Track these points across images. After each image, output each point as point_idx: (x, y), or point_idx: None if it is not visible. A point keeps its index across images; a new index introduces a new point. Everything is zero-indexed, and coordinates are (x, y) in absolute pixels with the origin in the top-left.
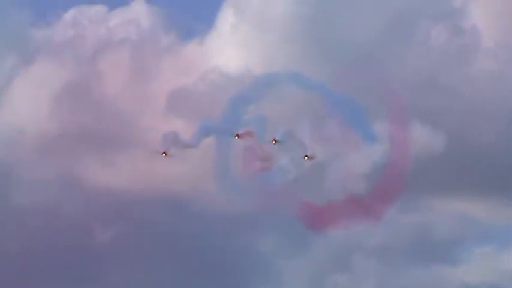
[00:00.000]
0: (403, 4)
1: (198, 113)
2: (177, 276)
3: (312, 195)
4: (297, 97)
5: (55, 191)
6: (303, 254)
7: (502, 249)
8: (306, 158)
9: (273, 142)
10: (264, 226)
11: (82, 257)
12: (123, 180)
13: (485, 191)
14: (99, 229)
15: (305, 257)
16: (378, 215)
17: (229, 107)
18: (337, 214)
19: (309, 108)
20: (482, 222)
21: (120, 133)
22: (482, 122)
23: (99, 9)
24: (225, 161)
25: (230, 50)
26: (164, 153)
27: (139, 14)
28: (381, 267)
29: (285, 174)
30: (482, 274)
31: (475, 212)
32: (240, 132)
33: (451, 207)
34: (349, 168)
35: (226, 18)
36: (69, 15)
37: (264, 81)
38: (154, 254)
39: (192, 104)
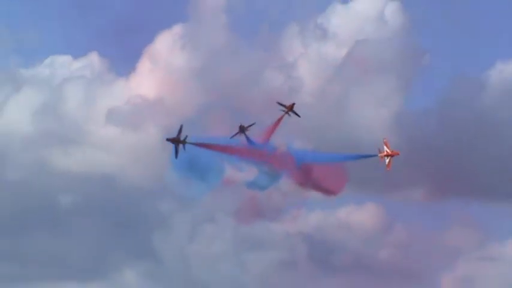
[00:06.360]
0: (254, 56)
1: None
2: (96, 230)
3: None
4: None
5: None
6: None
7: (313, 209)
8: None
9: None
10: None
11: None
12: None
13: None
14: None
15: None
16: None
17: None
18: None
19: None
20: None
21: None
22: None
23: None
24: None
25: (148, 84)
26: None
27: (94, 60)
28: (213, 226)
29: None
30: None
31: None
32: None
33: None
34: None
35: (145, 65)
36: None
37: None
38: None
39: (124, 118)
